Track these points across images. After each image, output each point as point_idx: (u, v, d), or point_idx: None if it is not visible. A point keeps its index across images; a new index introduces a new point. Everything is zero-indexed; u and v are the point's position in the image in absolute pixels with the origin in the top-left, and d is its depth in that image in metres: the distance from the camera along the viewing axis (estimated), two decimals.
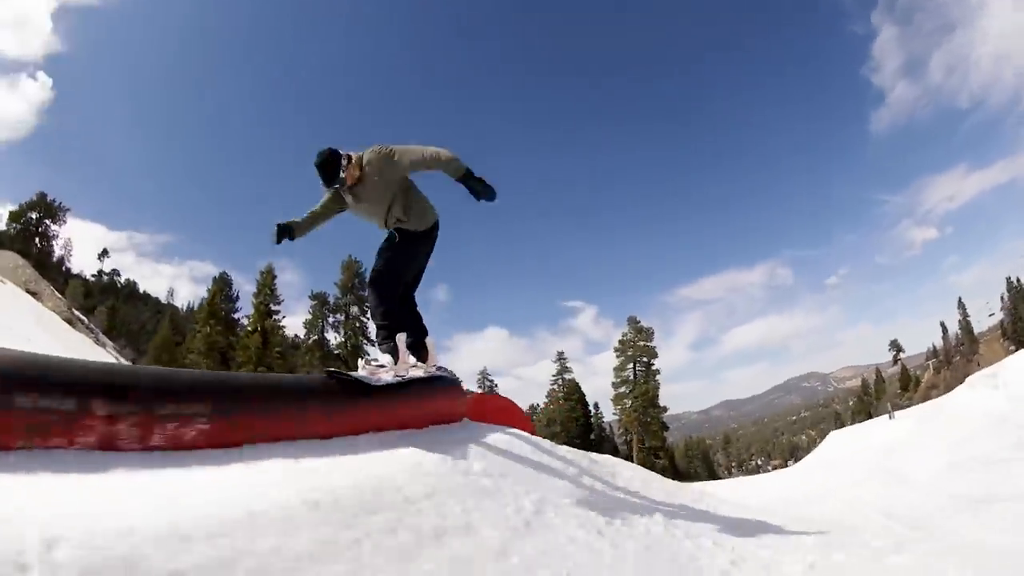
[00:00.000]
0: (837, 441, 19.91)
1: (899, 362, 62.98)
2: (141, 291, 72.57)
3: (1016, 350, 43.61)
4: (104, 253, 66.74)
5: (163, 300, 70.98)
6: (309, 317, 48.00)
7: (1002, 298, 54.12)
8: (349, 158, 3.13)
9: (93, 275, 63.41)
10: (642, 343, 55.28)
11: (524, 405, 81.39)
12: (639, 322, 56.73)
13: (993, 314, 51.55)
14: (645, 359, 55.01)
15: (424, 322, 3.59)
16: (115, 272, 68.57)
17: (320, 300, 48.20)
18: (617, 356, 56.08)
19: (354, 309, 47.88)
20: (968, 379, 16.89)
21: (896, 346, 63.67)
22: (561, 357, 60.31)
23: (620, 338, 56.72)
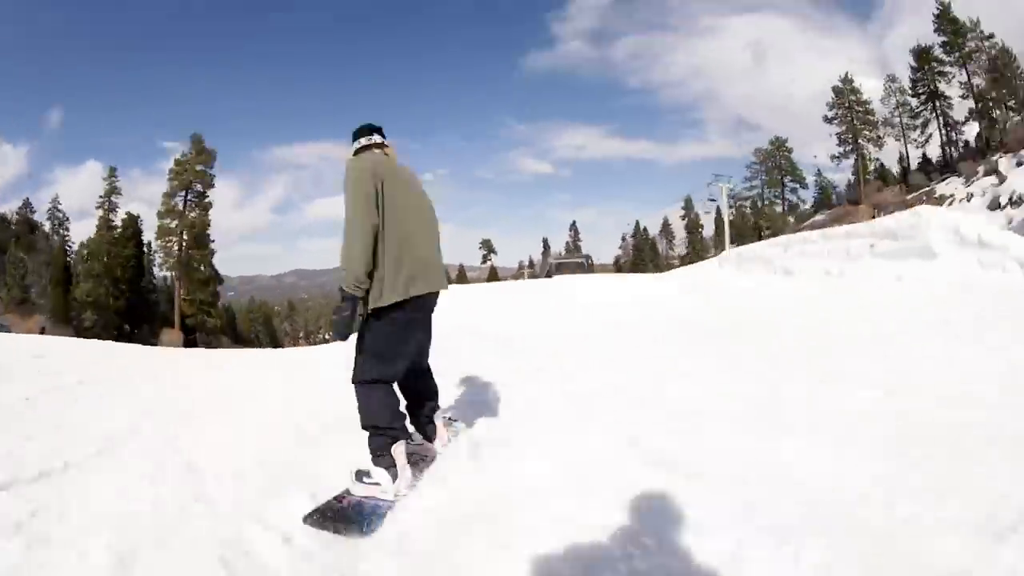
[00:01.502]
0: None
1: (490, 263, 72.96)
2: None
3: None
4: None
5: None
6: None
7: (623, 238, 69.14)
8: None
9: None
10: (200, 167, 43.65)
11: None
12: (203, 142, 44.19)
13: (624, 243, 66.44)
14: (200, 187, 43.74)
15: None
16: None
17: None
18: (169, 180, 43.14)
19: None
20: (718, 257, 14.63)
21: (489, 247, 73.54)
22: (112, 173, 43.61)
23: (176, 158, 43.67)
